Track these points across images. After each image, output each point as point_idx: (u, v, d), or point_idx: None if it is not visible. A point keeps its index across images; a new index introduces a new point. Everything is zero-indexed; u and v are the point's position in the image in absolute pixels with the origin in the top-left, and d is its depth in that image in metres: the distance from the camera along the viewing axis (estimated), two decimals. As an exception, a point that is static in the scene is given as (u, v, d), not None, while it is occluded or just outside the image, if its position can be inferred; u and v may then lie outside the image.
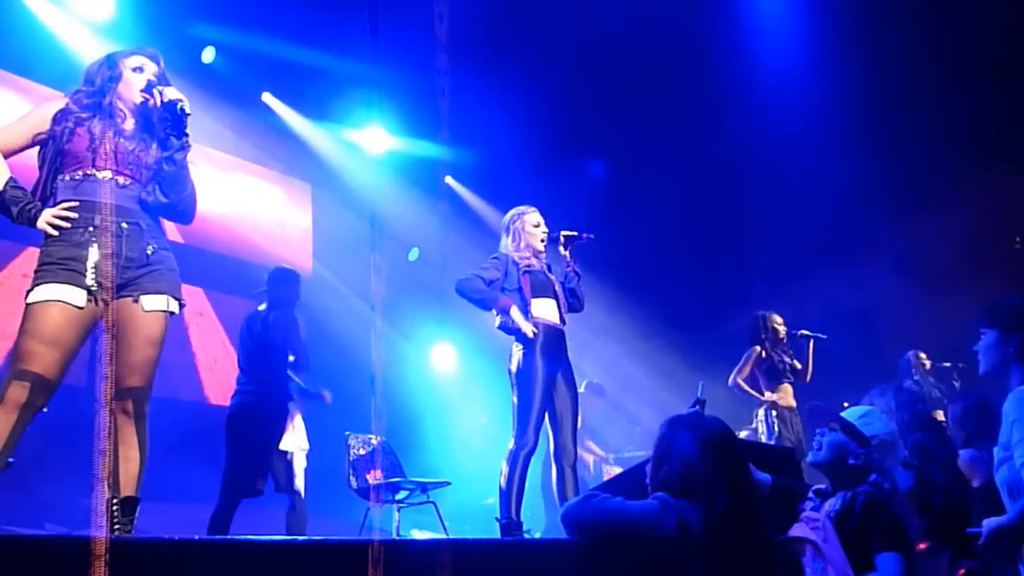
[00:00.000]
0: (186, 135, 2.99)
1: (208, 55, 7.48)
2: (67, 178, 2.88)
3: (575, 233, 4.78)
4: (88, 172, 2.87)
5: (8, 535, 2.36)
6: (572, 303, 4.71)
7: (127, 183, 2.91)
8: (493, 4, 7.64)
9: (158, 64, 3.09)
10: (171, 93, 2.97)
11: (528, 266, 4.57)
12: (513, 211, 4.74)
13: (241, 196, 8.40)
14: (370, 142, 9.03)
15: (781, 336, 6.71)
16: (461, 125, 8.69)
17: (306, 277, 8.79)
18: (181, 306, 3.00)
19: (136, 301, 2.85)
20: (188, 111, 2.98)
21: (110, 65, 3.04)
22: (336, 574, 2.12)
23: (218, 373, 7.75)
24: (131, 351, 2.83)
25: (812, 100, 8.28)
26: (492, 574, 2.44)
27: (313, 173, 9.01)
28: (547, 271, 4.68)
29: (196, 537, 2.09)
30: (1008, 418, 2.79)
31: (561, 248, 4.77)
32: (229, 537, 2.14)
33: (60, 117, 2.92)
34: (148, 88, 3.00)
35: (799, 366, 6.70)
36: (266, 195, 8.77)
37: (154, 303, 2.88)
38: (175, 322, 2.96)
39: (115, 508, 2.75)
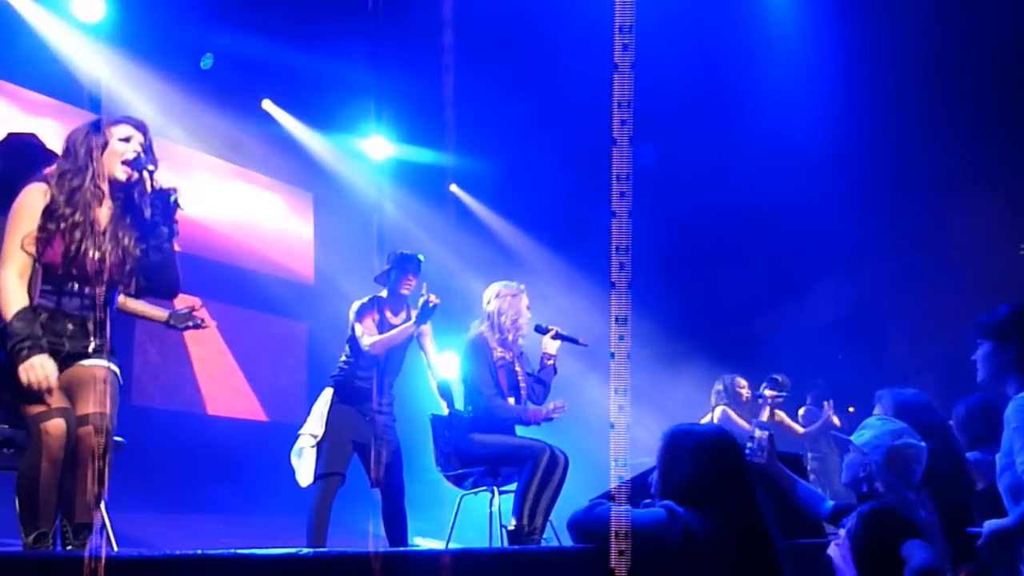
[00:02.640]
0: (175, 223, 2.92)
1: (206, 62, 7.42)
2: (42, 288, 2.81)
3: (568, 335, 4.62)
4: (61, 287, 2.81)
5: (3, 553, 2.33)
6: (538, 391, 4.62)
7: (96, 291, 2.85)
8: (499, 9, 7.60)
9: (145, 135, 2.98)
10: (164, 179, 2.90)
11: (501, 360, 4.49)
12: (505, 285, 4.60)
13: (240, 204, 8.33)
14: (373, 150, 8.98)
15: (745, 399, 6.34)
16: (466, 132, 8.66)
17: (308, 287, 8.78)
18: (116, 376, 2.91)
19: (72, 366, 2.81)
20: (181, 205, 2.90)
21: (95, 131, 2.93)
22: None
23: (217, 384, 7.60)
24: (83, 387, 2.78)
25: (819, 106, 8.27)
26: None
27: (315, 181, 8.97)
28: (517, 361, 4.56)
29: (198, 552, 2.06)
30: (1010, 425, 2.83)
31: (548, 339, 4.62)
32: (232, 551, 2.11)
33: (47, 216, 2.80)
34: (137, 166, 2.90)
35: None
36: (266, 203, 8.71)
37: (92, 361, 2.84)
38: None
39: (67, 532, 2.67)
